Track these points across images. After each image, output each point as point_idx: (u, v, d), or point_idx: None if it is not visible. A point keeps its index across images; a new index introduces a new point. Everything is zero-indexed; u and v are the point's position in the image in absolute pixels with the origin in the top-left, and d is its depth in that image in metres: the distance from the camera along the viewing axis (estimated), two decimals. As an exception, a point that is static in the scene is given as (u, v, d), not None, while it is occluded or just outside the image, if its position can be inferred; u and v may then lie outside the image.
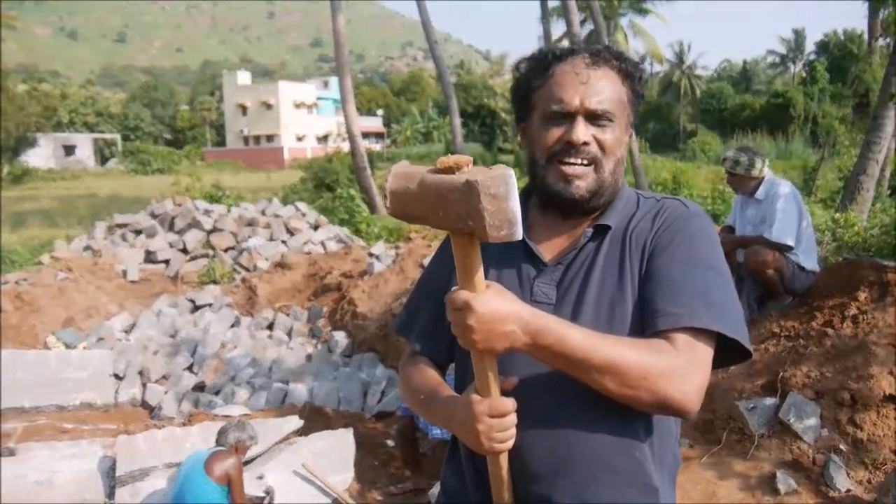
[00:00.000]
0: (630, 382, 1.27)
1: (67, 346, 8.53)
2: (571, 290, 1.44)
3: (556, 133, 1.46)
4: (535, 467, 1.40)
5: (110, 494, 5.00)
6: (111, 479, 5.03)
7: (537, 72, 1.51)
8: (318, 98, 65.56)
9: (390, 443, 6.12)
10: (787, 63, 62.60)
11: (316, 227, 12.75)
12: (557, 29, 34.02)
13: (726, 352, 1.37)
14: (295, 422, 5.61)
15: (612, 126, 1.46)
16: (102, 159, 54.11)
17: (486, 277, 1.29)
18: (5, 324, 8.57)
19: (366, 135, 32.61)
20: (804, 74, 47.69)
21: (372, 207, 17.72)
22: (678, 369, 1.28)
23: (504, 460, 1.37)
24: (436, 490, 4.78)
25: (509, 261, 1.51)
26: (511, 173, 1.16)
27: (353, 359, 8.06)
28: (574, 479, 1.38)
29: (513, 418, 1.31)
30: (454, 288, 1.27)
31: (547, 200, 1.52)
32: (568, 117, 1.45)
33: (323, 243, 12.05)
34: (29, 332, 8.67)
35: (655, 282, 1.39)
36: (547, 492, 1.40)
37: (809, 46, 56.51)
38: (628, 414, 1.35)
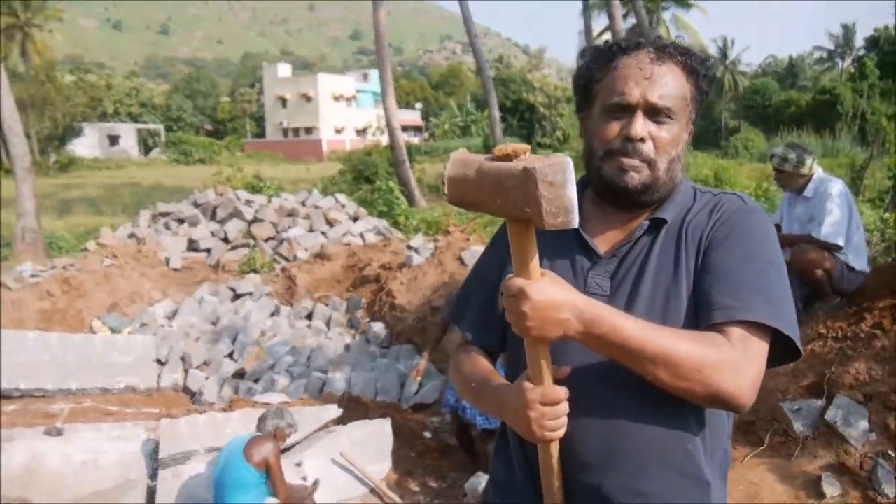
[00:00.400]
0: (684, 374, 1.26)
1: (112, 331, 8.71)
2: (626, 282, 1.44)
3: (615, 127, 1.46)
4: (586, 457, 1.40)
5: (153, 476, 5.10)
6: (154, 462, 5.13)
7: (601, 63, 1.50)
8: (357, 91, 65.85)
9: (427, 434, 6.14)
10: (834, 59, 61.31)
11: (355, 219, 12.82)
12: (599, 23, 33.70)
13: (775, 350, 1.36)
14: (334, 410, 5.66)
15: (670, 123, 1.45)
16: (146, 149, 55.04)
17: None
18: (53, 308, 8.79)
19: (404, 128, 32.75)
20: (853, 70, 46.62)
21: (410, 200, 17.77)
22: (733, 362, 1.28)
23: (555, 449, 1.38)
24: (475, 482, 4.79)
25: (563, 252, 1.51)
26: (569, 161, 1.17)
27: (390, 350, 8.10)
28: (625, 469, 1.38)
29: (565, 407, 1.31)
30: (509, 275, 1.28)
31: (602, 191, 1.52)
32: (628, 111, 1.44)
33: (362, 235, 12.12)
34: (76, 317, 8.88)
35: (712, 275, 1.38)
36: (598, 482, 1.40)
37: (859, 42, 55.29)
38: (681, 406, 1.35)
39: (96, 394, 7.28)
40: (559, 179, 1.16)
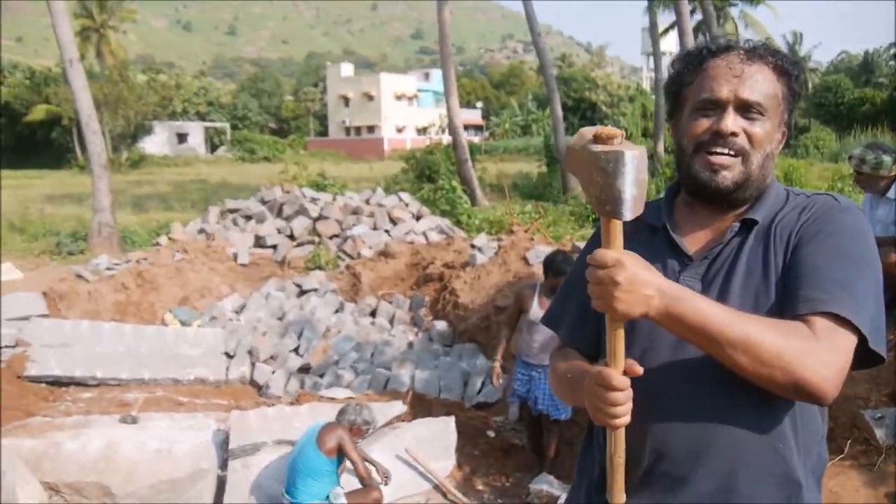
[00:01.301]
0: (764, 360, 1.25)
1: (183, 324, 8.95)
2: (715, 283, 1.45)
3: (705, 123, 1.46)
4: (673, 451, 1.41)
5: (223, 466, 5.22)
6: (224, 452, 5.25)
7: (691, 67, 1.52)
8: (419, 90, 66.23)
9: (490, 433, 6.15)
10: (913, 54, 58.84)
11: (418, 218, 12.87)
12: (663, 20, 33.09)
13: (858, 352, 1.32)
14: (399, 407, 5.72)
15: (762, 120, 1.45)
16: (212, 147, 56.32)
17: None
18: (128, 300, 9.08)
19: (465, 127, 32.74)
20: (933, 67, 44.70)
21: (472, 199, 17.76)
22: (815, 351, 1.26)
23: (620, 445, 1.38)
24: (540, 482, 4.77)
25: (654, 255, 1.51)
26: (631, 155, 1.19)
27: (453, 348, 8.12)
28: (712, 465, 1.38)
29: (619, 395, 1.30)
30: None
31: (692, 190, 1.53)
32: (718, 108, 1.45)
33: (425, 233, 12.16)
34: (148, 309, 9.15)
35: (800, 271, 1.37)
36: (684, 476, 1.40)
37: (939, 37, 52.99)
38: (773, 406, 1.35)
39: (168, 384, 7.49)
40: (611, 169, 1.19)
